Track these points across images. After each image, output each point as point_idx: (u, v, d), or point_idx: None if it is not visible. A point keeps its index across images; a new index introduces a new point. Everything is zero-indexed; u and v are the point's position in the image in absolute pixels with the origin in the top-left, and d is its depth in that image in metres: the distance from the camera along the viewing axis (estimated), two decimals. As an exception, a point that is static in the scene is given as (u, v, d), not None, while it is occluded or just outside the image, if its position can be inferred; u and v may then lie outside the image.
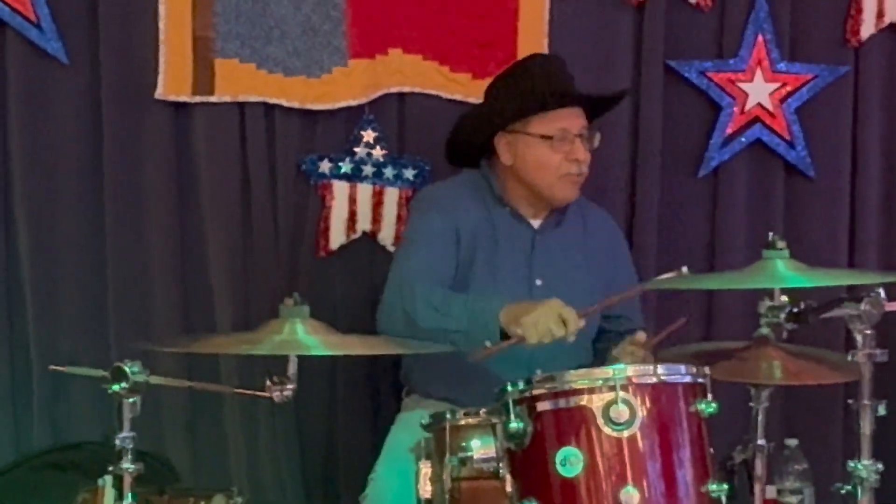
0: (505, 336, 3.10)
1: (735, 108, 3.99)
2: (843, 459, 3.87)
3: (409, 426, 3.25)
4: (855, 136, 4.06)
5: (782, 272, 2.85)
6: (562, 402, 2.64)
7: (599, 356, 3.43)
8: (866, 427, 2.86)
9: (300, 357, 2.75)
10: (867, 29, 4.02)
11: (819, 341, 3.28)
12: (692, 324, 3.92)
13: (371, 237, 3.83)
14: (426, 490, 2.85)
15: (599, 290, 3.49)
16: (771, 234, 2.93)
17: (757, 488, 3.12)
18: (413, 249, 3.42)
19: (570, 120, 3.42)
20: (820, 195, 4.06)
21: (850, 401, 2.87)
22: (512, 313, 3.10)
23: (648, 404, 2.64)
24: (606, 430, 2.60)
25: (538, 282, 3.45)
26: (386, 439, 3.45)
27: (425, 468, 2.86)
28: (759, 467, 3.12)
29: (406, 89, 3.85)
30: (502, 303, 3.16)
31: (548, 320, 3.05)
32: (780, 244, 2.85)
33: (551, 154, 3.41)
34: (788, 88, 4.01)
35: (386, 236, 3.84)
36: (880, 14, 4.02)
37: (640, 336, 3.30)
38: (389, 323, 3.28)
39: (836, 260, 3.98)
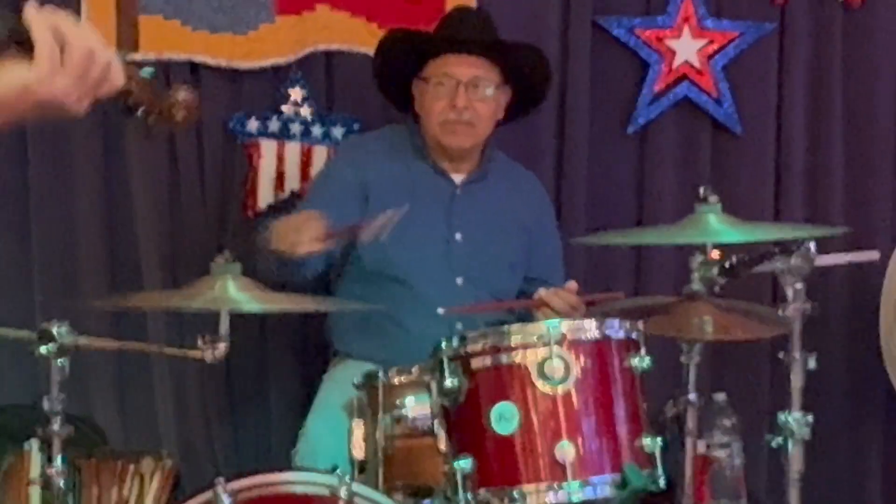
0: None
1: (663, 66, 3.99)
2: (772, 412, 3.95)
3: (339, 383, 3.24)
4: (780, 92, 4.08)
5: (714, 226, 2.86)
6: (496, 359, 2.63)
7: (521, 317, 3.41)
8: (797, 380, 2.89)
9: (230, 316, 2.72)
10: (792, -15, 4.05)
11: (749, 295, 3.30)
12: (621, 278, 3.95)
13: (300, 197, 3.79)
14: (359, 449, 2.84)
15: (521, 250, 3.52)
16: (702, 188, 2.94)
17: (688, 442, 3.14)
18: (308, 199, 3.44)
19: (460, 67, 3.39)
20: (746, 151, 4.08)
21: (780, 354, 2.90)
22: None
23: (583, 360, 2.64)
24: (541, 386, 2.60)
25: (457, 236, 3.45)
26: (316, 396, 3.43)
27: (358, 427, 2.85)
28: (691, 422, 3.14)
29: (334, 47, 3.81)
30: None
31: (287, 227, 3.07)
32: (712, 198, 2.86)
33: (434, 100, 3.40)
34: (715, 46, 4.02)
35: (315, 196, 3.80)
36: (804, -30, 4.06)
37: (572, 285, 3.29)
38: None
39: (762, 215, 4.01)
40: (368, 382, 2.86)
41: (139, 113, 1.73)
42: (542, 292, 3.28)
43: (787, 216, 4.04)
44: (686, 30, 3.99)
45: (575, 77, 3.93)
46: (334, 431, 2.99)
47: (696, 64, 4.00)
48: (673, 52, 3.99)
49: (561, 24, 3.95)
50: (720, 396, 3.72)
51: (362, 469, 2.83)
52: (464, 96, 3.37)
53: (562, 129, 3.97)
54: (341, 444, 2.88)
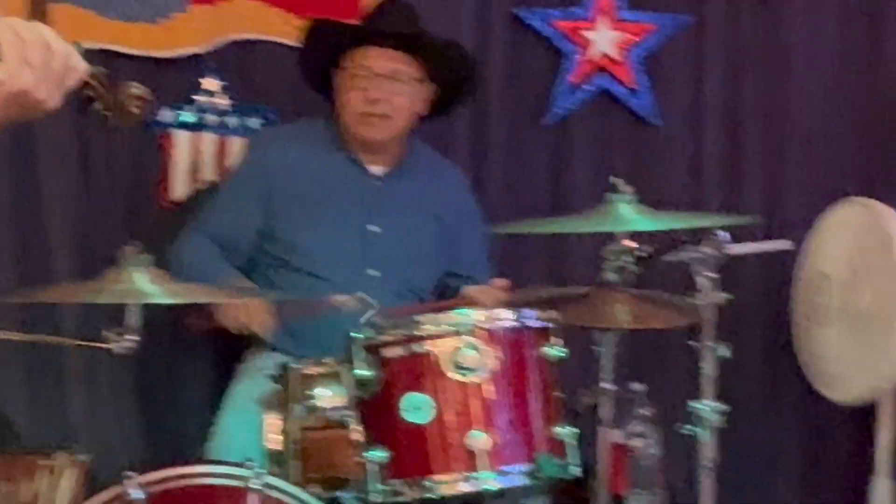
0: None
1: (580, 57, 3.99)
2: (687, 401, 3.96)
3: (253, 377, 3.23)
4: (698, 84, 4.10)
5: (627, 215, 2.86)
6: (409, 349, 2.63)
7: None
8: (709, 369, 2.91)
9: (142, 307, 2.68)
10: (710, -22, 4.07)
11: (664, 285, 3.31)
12: (539, 270, 3.96)
13: (217, 189, 3.75)
14: (273, 441, 2.82)
15: (440, 244, 3.50)
16: (613, 178, 2.94)
17: (603, 432, 3.15)
18: (221, 196, 3.48)
19: (379, 59, 3.36)
20: (664, 143, 4.09)
21: (693, 343, 2.91)
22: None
23: (496, 350, 2.64)
24: (455, 375, 2.60)
25: (373, 228, 3.42)
26: (229, 389, 3.40)
27: (272, 419, 2.83)
28: (605, 411, 3.15)
29: (249, 36, 3.77)
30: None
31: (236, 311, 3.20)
32: (625, 187, 2.87)
33: (351, 90, 3.38)
34: (633, 37, 4.02)
35: (231, 186, 3.76)
36: (721, -36, 4.08)
37: (501, 282, 3.28)
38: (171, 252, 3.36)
39: (680, 206, 4.00)
40: (283, 374, 2.84)
41: (96, 106, 1.79)
42: (468, 290, 3.28)
43: (705, 207, 4.06)
44: (603, 21, 3.99)
45: (492, 67, 3.92)
46: (248, 425, 2.96)
47: (614, 55, 4.01)
48: (590, 44, 3.99)
49: (478, 14, 3.94)
50: (637, 386, 3.72)
51: (276, 461, 2.81)
52: (380, 88, 3.35)
53: (479, 119, 3.95)
54: (255, 437, 2.86)
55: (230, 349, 3.62)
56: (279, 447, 2.81)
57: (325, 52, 3.43)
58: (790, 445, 4.19)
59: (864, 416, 3.95)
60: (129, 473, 2.56)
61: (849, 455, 4.16)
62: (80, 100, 1.76)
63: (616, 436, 3.34)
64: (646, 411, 3.67)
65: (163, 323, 3.56)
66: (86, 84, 1.73)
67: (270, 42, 3.78)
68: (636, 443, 3.62)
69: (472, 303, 3.23)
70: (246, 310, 3.18)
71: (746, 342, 3.93)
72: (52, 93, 1.63)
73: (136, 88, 1.80)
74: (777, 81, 4.13)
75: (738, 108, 4.12)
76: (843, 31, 4.17)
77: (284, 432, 2.81)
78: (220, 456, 3.05)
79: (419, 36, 3.45)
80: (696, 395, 3.78)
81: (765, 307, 4.08)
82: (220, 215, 3.45)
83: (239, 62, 3.79)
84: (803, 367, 3.94)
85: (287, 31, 3.75)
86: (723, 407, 2.88)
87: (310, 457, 2.79)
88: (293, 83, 3.64)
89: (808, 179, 4.13)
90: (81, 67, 1.67)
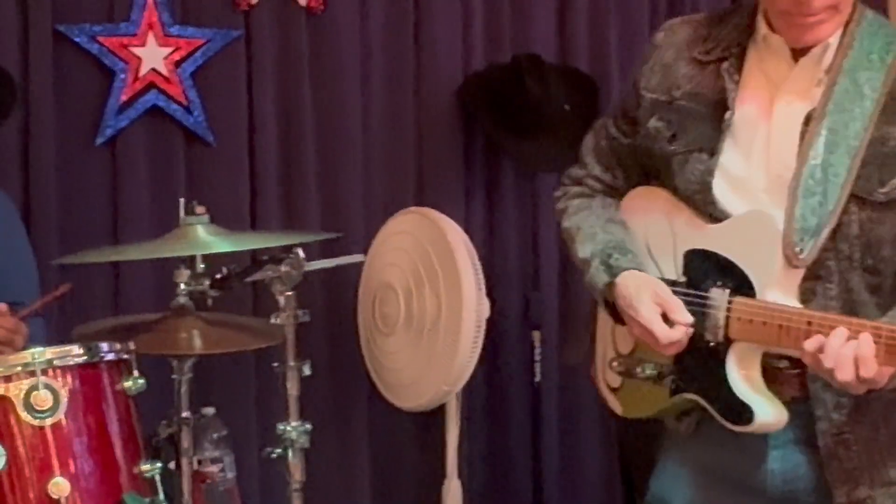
0: None
1: (129, 74, 3.86)
2: (264, 423, 3.90)
3: None
4: (251, 99, 4.04)
5: (204, 238, 2.79)
6: (-24, 394, 2.44)
7: None
8: (293, 388, 2.88)
9: None
10: (254, -7, 4.02)
11: (244, 308, 3.25)
12: (99, 298, 3.79)
13: None
14: None
15: None
16: (185, 199, 2.86)
17: (184, 462, 3.06)
18: None
19: None
20: (220, 160, 3.99)
21: (274, 364, 2.87)
22: None
23: (72, 387, 2.50)
24: (28, 419, 2.45)
25: None
26: None
27: None
28: (186, 440, 3.06)
29: None
30: None
31: None
32: (200, 209, 2.80)
33: None
34: (182, 53, 3.93)
35: None
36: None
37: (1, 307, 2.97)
38: None
39: (241, 225, 3.95)
40: None
41: None
42: None
43: (264, 225, 4.01)
44: (151, 37, 3.88)
45: (37, 88, 3.72)
46: None
47: (164, 72, 3.90)
48: (139, 60, 3.87)
49: (20, 32, 3.73)
50: (208, 410, 3.64)
51: None
52: None
53: (25, 143, 3.74)
54: None
55: None
56: None
57: None
58: (361, 457, 4.20)
59: (432, 421, 4.03)
60: None
61: (420, 460, 4.23)
62: None
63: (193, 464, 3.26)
64: (219, 435, 3.61)
65: None
66: None
67: None
68: (212, 468, 3.55)
69: None
70: None
71: (316, 358, 3.91)
72: None
73: None
74: (329, 92, 4.12)
75: (293, 121, 4.08)
76: (389, 46, 4.20)
77: None
78: None
79: None
80: (266, 415, 3.75)
81: (332, 322, 4.08)
82: None
83: None
84: (371, 377, 3.97)
85: None
86: (308, 426, 2.85)
87: None
88: None
89: (366, 192, 4.16)
90: None
